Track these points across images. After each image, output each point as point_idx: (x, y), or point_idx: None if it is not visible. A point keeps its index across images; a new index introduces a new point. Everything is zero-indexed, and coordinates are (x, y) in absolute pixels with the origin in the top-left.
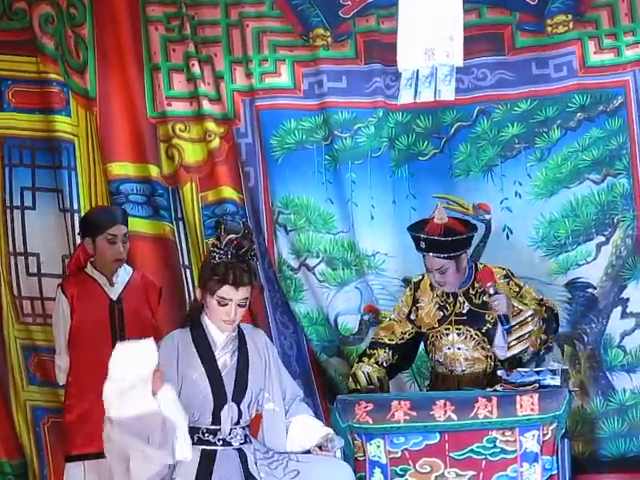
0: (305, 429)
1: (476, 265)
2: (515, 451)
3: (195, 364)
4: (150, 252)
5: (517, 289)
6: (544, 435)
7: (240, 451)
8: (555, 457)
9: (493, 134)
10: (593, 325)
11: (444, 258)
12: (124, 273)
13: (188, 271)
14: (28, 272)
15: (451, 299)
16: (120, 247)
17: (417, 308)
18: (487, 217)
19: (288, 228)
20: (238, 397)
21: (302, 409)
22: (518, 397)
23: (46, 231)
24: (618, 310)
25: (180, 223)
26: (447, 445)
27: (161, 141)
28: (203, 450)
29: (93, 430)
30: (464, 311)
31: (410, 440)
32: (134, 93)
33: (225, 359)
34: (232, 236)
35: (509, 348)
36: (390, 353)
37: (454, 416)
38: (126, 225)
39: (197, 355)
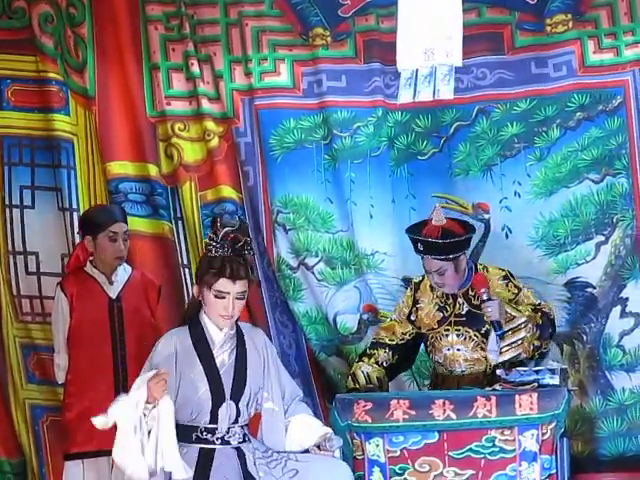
0: (304, 428)
1: (476, 266)
2: (514, 450)
3: (193, 362)
4: (149, 251)
5: (516, 291)
6: (543, 434)
7: (239, 450)
8: (554, 456)
9: (492, 133)
10: (592, 324)
11: (442, 260)
12: (123, 272)
13: (187, 270)
14: (27, 271)
15: (450, 300)
16: (121, 245)
17: (417, 309)
18: (486, 216)
19: (287, 227)
20: (236, 396)
21: (301, 408)
22: (517, 396)
23: (45, 230)
24: (617, 309)
25: (179, 222)
26: (446, 444)
27: (160, 140)
28: (201, 449)
29: (92, 428)
30: (463, 312)
31: (409, 439)
32: (133, 92)
33: (223, 357)
34: (228, 229)
35: (501, 354)
36: (390, 353)
37: (453, 415)
38: (126, 223)
39: (195, 353)
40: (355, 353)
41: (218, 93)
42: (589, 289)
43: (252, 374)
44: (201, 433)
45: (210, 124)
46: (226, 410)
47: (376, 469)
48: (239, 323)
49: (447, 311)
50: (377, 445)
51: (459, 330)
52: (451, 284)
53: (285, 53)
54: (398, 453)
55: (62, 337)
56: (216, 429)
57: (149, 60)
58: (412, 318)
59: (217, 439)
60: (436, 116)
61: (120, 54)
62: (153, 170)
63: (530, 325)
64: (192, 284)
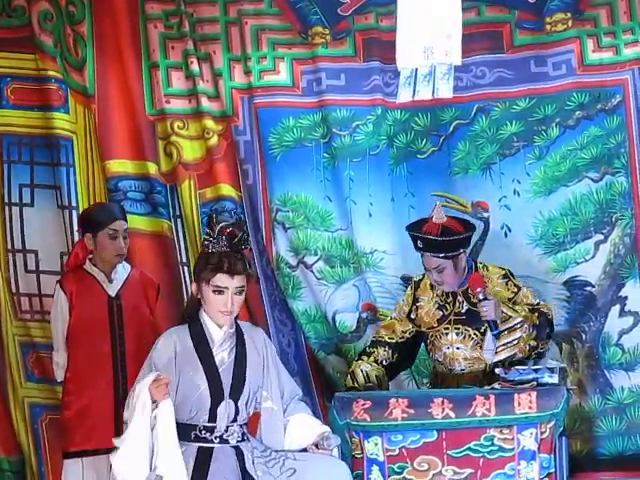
0: (303, 427)
1: (476, 264)
2: (513, 449)
3: (192, 361)
4: (148, 249)
5: (515, 290)
6: (542, 433)
7: (237, 449)
8: (553, 455)
9: (492, 132)
10: (591, 323)
11: (441, 258)
12: (122, 270)
13: (186, 268)
14: (26, 269)
15: (450, 299)
16: (121, 242)
17: (417, 307)
18: (486, 215)
19: (286, 226)
20: (235, 394)
21: (300, 408)
22: (516, 395)
23: (44, 228)
24: (616, 308)
25: (178, 220)
26: (445, 443)
27: (159, 138)
28: (200, 447)
29: (91, 426)
30: (463, 311)
31: (408, 438)
32: (133, 90)
33: (223, 356)
34: (224, 224)
35: (496, 353)
36: (390, 352)
37: (452, 414)
38: (126, 221)
39: (195, 352)
40: (354, 351)
41: (217, 91)
42: (588, 288)
43: (251, 373)
44: (200, 432)
45: (209, 122)
46: (225, 409)
47: (375, 468)
48: (239, 322)
49: (447, 310)
50: (376, 444)
51: (459, 329)
52: (450, 282)
53: (284, 51)
54: (397, 452)
55: (61, 335)
56: (215, 428)
57: (148, 58)
58: (412, 316)
59: (216, 438)
60: (435, 115)
61: (119, 52)
62: (152, 168)
63: (526, 325)
64: (191, 282)
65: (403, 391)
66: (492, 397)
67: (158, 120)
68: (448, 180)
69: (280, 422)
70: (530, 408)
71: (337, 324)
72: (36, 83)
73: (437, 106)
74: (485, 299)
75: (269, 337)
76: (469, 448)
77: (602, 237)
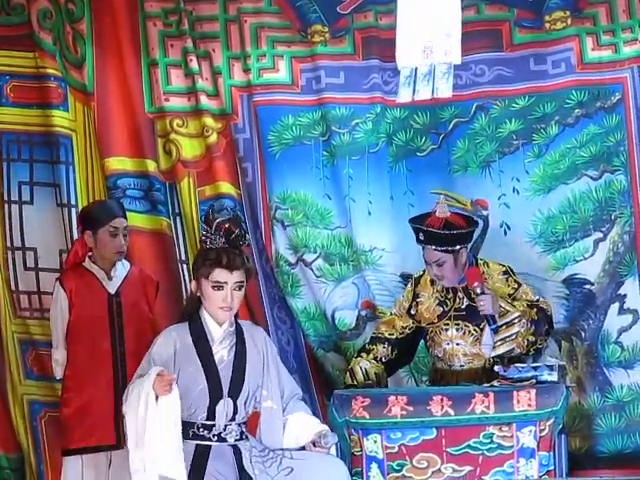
0: (300, 426)
1: (476, 261)
2: (512, 447)
3: (192, 358)
4: (147, 247)
5: (515, 286)
6: (541, 431)
7: (235, 447)
8: (552, 453)
9: (491, 130)
10: (590, 321)
11: (442, 251)
12: (122, 267)
13: (185, 266)
14: (25, 267)
15: (451, 294)
16: (121, 240)
17: (417, 303)
18: (485, 213)
19: (285, 223)
20: (234, 392)
21: (299, 407)
22: (515, 393)
23: (44, 226)
24: (615, 306)
25: (177, 218)
26: (444, 440)
27: (159, 136)
28: (197, 445)
29: (91, 424)
30: (463, 307)
31: (407, 435)
32: (132, 88)
33: (222, 354)
34: (220, 220)
35: (494, 348)
36: (389, 348)
37: (451, 411)
38: (126, 218)
39: (194, 349)
40: (353, 349)
41: (217, 89)
42: (587, 286)
43: (251, 372)
44: (198, 429)
45: (209, 120)
46: (223, 407)
47: (374, 465)
48: (239, 321)
49: (447, 305)
50: (375, 441)
51: (459, 324)
52: (450, 277)
53: (284, 50)
54: (396, 449)
55: (60, 332)
56: (213, 426)
57: (148, 56)
58: (412, 312)
59: (214, 436)
60: (435, 113)
61: (119, 50)
62: (151, 166)
63: (524, 320)
64: (190, 280)
65: (402, 388)
66: (491, 394)
67: (157, 118)
68: (447, 178)
69: (279, 421)
70: (529, 406)
71: (336, 322)
72: (35, 81)
73: (436, 104)
74: (483, 293)
75: (268, 335)
76: (468, 445)
77: (601, 235)
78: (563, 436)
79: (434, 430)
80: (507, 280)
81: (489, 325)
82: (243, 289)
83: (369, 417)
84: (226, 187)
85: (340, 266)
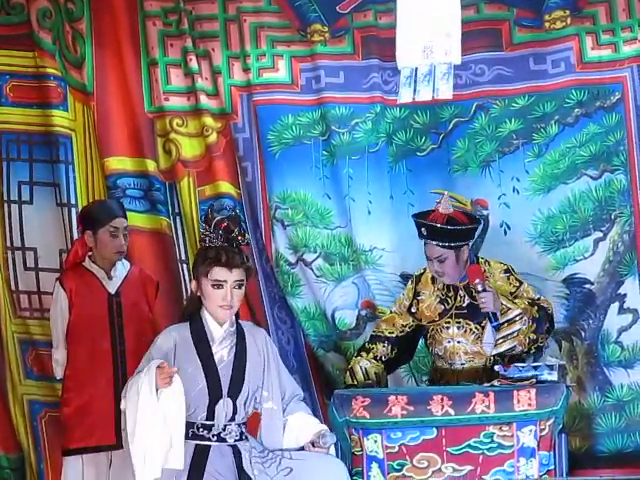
0: (300, 426)
1: (478, 259)
2: (512, 446)
3: (191, 357)
4: (147, 247)
5: (517, 284)
6: (541, 430)
7: (234, 448)
8: (552, 452)
9: (491, 130)
10: (590, 321)
11: (444, 247)
12: (122, 267)
13: (185, 266)
14: (25, 266)
15: (452, 292)
16: (122, 240)
17: (418, 301)
18: (485, 213)
19: (285, 223)
20: (234, 393)
21: (299, 407)
22: (515, 392)
23: (43, 225)
24: (615, 306)
25: (177, 218)
26: (444, 440)
27: (158, 136)
28: (197, 445)
29: (91, 423)
30: (464, 305)
31: (407, 435)
32: (132, 88)
33: (222, 354)
34: (219, 218)
35: (496, 346)
36: (389, 347)
37: (451, 411)
38: (126, 218)
39: (194, 348)
40: (353, 349)
41: (216, 89)
42: (587, 285)
43: (251, 372)
44: (197, 429)
45: (208, 120)
46: (223, 407)
47: (374, 465)
48: (241, 322)
49: (448, 303)
50: (375, 441)
51: (460, 322)
52: (450, 274)
53: (283, 49)
54: (396, 449)
55: (60, 332)
56: (213, 426)
57: (147, 55)
58: (413, 310)
59: (213, 436)
60: (435, 112)
61: (118, 49)
62: (151, 165)
63: (525, 318)
64: (190, 280)
65: (402, 388)
66: (491, 394)
67: (157, 117)
68: (447, 178)
69: (280, 422)
70: (529, 405)
71: (336, 321)
72: (35, 81)
73: (436, 104)
74: (484, 290)
75: (268, 334)
76: (468, 445)
77: (601, 235)
78: (563, 435)
79: (434, 430)
80: (508, 278)
81: (490, 322)
82: (243, 288)
83: (369, 417)
84: (226, 187)
85: (340, 266)
